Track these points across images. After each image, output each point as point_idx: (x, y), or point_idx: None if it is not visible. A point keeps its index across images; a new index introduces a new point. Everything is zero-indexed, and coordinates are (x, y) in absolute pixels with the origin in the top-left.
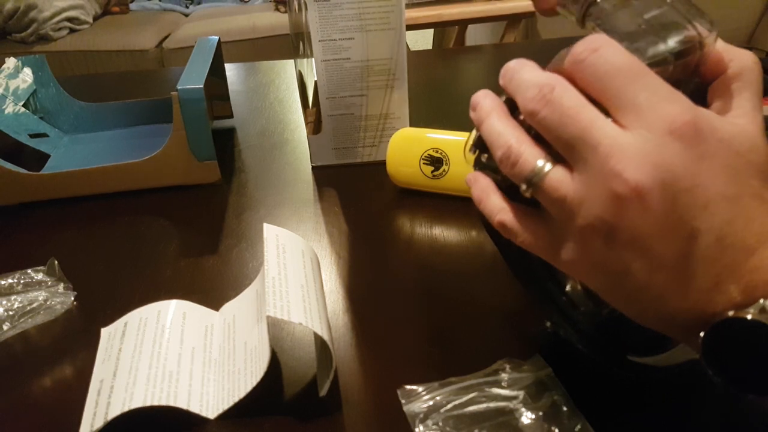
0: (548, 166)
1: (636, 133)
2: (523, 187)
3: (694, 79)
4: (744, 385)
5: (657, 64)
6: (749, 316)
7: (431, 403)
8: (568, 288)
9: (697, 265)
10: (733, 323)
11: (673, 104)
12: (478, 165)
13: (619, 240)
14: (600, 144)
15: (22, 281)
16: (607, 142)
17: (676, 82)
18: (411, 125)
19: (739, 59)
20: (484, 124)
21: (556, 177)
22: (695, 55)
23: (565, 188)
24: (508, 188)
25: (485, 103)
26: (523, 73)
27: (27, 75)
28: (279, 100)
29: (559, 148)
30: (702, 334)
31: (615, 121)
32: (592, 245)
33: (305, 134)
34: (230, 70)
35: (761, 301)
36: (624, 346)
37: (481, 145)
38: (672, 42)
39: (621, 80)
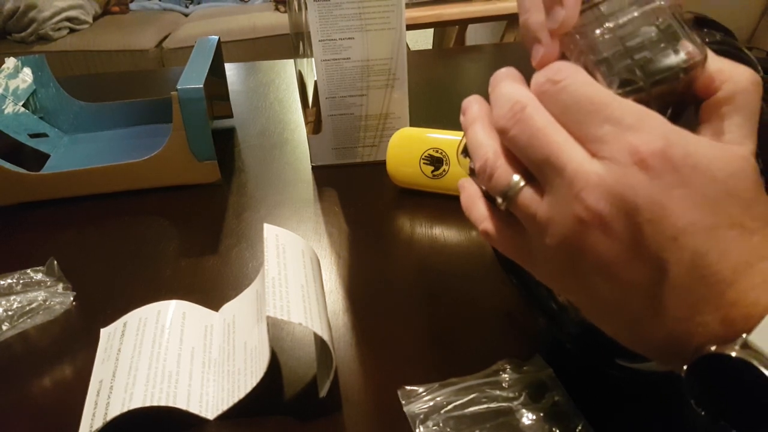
0: (522, 183)
1: (603, 162)
2: (499, 200)
3: (688, 99)
4: (727, 420)
5: (631, 92)
6: (733, 353)
7: (431, 403)
8: (555, 293)
9: (668, 295)
10: (715, 359)
11: (638, 133)
12: (470, 170)
13: (585, 263)
14: (565, 168)
15: (21, 281)
16: (572, 167)
17: (664, 104)
18: (411, 125)
19: (734, 81)
20: (468, 132)
21: (528, 194)
22: (678, 81)
23: (535, 206)
24: (492, 196)
25: (472, 110)
26: (502, 87)
27: (27, 75)
28: (279, 99)
29: (529, 167)
30: (684, 367)
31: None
32: (561, 264)
33: (305, 134)
34: (230, 69)
35: (744, 336)
36: (611, 351)
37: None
38: (651, 68)
39: (584, 114)
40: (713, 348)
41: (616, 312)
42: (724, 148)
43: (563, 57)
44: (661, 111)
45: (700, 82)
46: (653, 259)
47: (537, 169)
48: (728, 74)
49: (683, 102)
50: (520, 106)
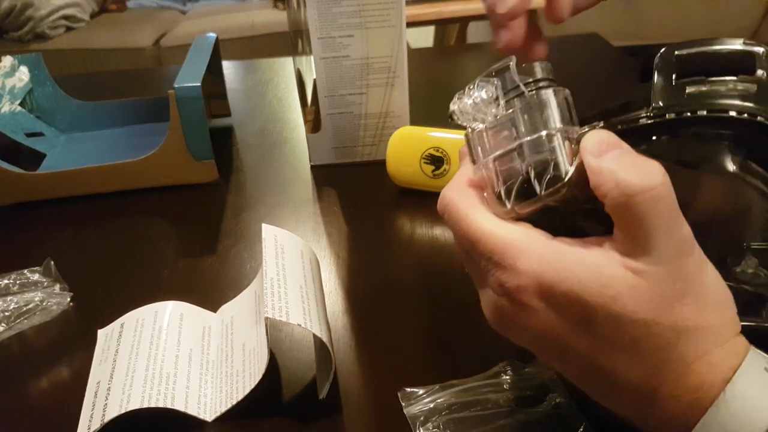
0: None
1: (488, 288)
2: None
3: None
4: None
5: (531, 204)
6: None
7: (432, 405)
8: None
9: (586, 386)
10: None
11: (502, 271)
12: None
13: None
14: (475, 281)
15: (18, 282)
16: (476, 280)
17: (573, 205)
18: (411, 124)
19: (610, 197)
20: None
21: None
22: (562, 194)
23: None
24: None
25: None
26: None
27: (23, 73)
28: (278, 98)
29: None
30: None
31: None
32: None
33: (304, 133)
34: (228, 68)
35: None
36: None
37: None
38: (526, 191)
39: (468, 246)
40: None
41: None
42: (603, 271)
43: (529, 41)
44: (572, 210)
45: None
46: (556, 360)
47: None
48: (604, 190)
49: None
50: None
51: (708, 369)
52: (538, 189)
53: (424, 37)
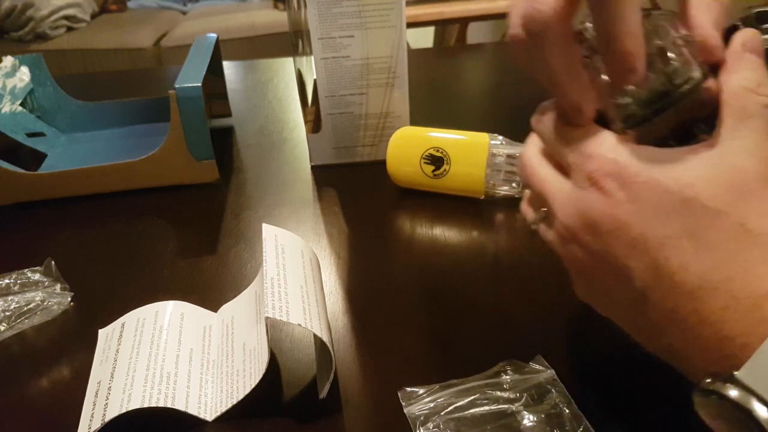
0: (536, 218)
1: (572, 185)
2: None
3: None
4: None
5: (665, 106)
6: (733, 393)
7: (432, 405)
8: None
9: (648, 307)
10: (707, 395)
11: (592, 159)
12: None
13: (572, 271)
14: (548, 195)
15: (18, 282)
16: (552, 191)
17: (683, 119)
18: (411, 124)
19: (726, 89)
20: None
21: (542, 227)
22: (697, 94)
23: (544, 233)
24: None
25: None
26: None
27: (24, 74)
28: (278, 98)
29: (539, 203)
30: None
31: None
32: (571, 274)
33: (304, 133)
34: (228, 68)
35: (734, 373)
36: None
37: None
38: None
39: (556, 146)
40: (703, 386)
41: (619, 318)
42: (684, 159)
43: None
44: (679, 126)
45: (707, 98)
46: (620, 267)
47: (540, 202)
48: (722, 81)
49: (694, 119)
50: (522, 153)
51: None
52: (670, 86)
53: (424, 37)
